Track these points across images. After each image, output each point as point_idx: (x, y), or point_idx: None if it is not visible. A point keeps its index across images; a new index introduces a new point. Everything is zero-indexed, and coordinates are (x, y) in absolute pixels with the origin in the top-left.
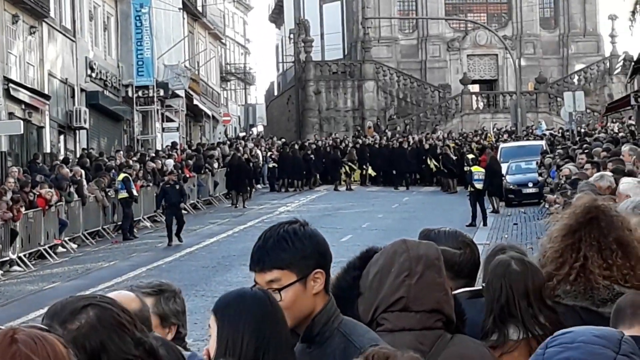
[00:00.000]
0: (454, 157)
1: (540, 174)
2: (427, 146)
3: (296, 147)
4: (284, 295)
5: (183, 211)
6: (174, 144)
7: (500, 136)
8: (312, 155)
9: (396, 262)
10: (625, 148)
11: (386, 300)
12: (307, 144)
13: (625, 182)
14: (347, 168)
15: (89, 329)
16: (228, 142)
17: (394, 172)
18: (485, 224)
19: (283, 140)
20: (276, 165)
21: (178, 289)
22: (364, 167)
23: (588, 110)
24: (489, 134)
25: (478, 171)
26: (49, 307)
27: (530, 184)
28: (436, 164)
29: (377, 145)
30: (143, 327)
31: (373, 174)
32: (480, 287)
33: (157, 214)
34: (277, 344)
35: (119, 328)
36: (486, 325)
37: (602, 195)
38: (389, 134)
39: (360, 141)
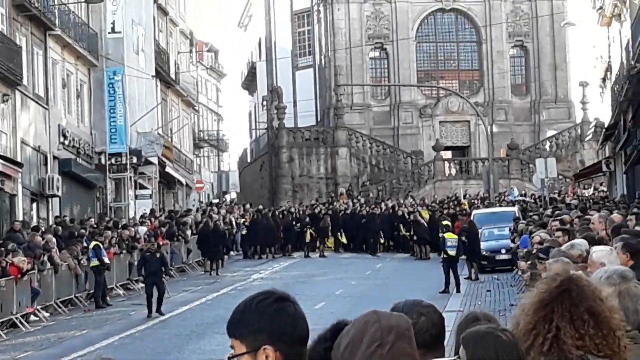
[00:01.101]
0: (425, 224)
1: (513, 240)
2: (399, 213)
3: (269, 213)
4: None
5: (164, 278)
6: (152, 211)
7: (474, 202)
8: (293, 221)
9: (368, 332)
10: (595, 216)
11: None
12: (278, 211)
13: (598, 250)
14: (309, 235)
15: None
16: (201, 210)
17: (368, 238)
18: (458, 291)
19: (255, 207)
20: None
21: None
22: (338, 234)
23: (560, 177)
24: (462, 201)
25: (451, 238)
26: None
27: (503, 250)
28: (406, 231)
29: (349, 212)
30: None
31: (344, 241)
32: (454, 358)
33: (131, 281)
34: None
35: None
36: None
37: (574, 262)
38: (362, 200)
39: (332, 208)
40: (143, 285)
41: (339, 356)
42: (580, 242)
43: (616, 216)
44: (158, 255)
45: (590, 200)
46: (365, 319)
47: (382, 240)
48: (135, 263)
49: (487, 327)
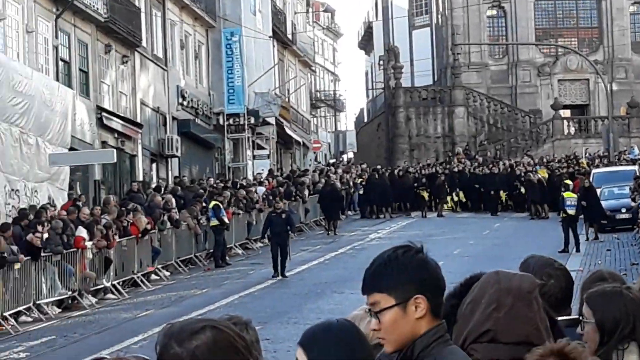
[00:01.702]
0: (544, 183)
1: (633, 199)
2: (517, 172)
3: (386, 173)
4: (381, 319)
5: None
6: (270, 171)
7: (593, 161)
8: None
9: (487, 293)
10: None
11: (475, 331)
12: (395, 171)
13: None
14: (425, 195)
15: (205, 349)
16: (319, 170)
17: (486, 197)
18: (578, 250)
19: (372, 167)
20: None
21: (249, 319)
22: (455, 193)
23: None
24: (581, 160)
25: (570, 197)
26: (166, 326)
27: (624, 210)
28: (525, 190)
29: (467, 171)
30: (257, 356)
31: (463, 199)
32: (576, 317)
33: (249, 241)
34: None
35: (234, 352)
36: (598, 350)
37: None
38: (480, 159)
39: (449, 167)
40: (268, 244)
41: (461, 314)
42: None
43: None
44: (284, 216)
45: None
46: (487, 279)
47: (502, 199)
48: (254, 222)
49: (613, 286)
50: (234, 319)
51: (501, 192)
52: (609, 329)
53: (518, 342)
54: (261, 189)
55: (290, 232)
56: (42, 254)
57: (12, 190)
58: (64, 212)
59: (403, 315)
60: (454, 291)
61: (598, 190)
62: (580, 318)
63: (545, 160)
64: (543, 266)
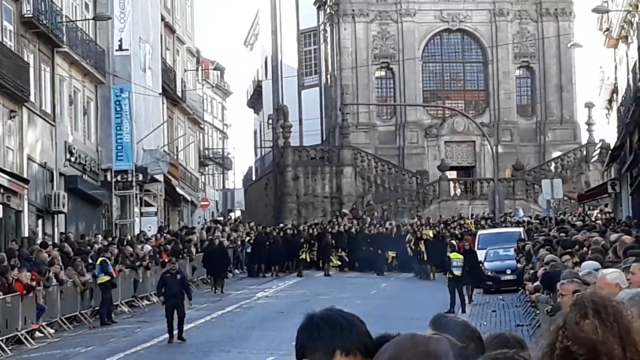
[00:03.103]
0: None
1: (518, 261)
2: (403, 232)
3: (274, 231)
4: None
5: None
6: (161, 228)
7: (479, 223)
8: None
9: (403, 357)
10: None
11: None
12: (286, 229)
13: (612, 272)
14: (305, 255)
15: None
16: (206, 228)
17: (374, 257)
18: (464, 311)
19: (259, 225)
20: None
21: None
22: (342, 252)
23: (565, 198)
24: (467, 221)
25: (457, 257)
26: None
27: (509, 271)
28: (412, 251)
29: (354, 231)
30: None
31: (346, 259)
32: None
33: (136, 299)
34: None
35: None
36: None
37: (586, 284)
38: (368, 219)
39: (337, 227)
40: (155, 302)
41: None
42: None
43: (627, 238)
44: (179, 276)
45: (599, 222)
46: (402, 343)
47: (389, 260)
48: (140, 280)
49: (503, 352)
50: None
51: (388, 252)
52: None
53: None
54: (147, 247)
55: (187, 296)
56: None
57: None
58: None
59: None
60: None
61: (483, 252)
62: None
63: (431, 221)
64: (462, 329)
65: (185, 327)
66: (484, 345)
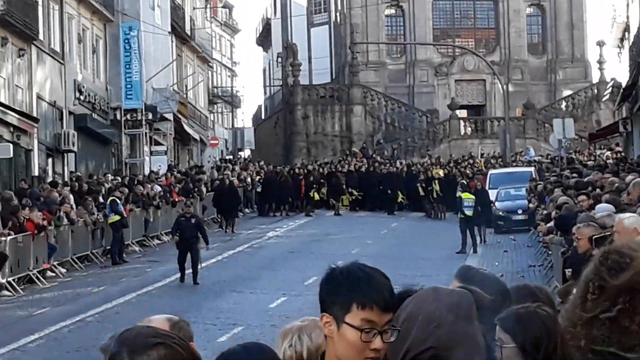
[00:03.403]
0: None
1: (529, 201)
2: (414, 171)
3: (284, 171)
4: (389, 338)
5: (200, 246)
6: (170, 167)
7: (489, 162)
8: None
9: (425, 311)
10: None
11: (415, 348)
12: (296, 168)
13: (630, 217)
14: (315, 194)
15: None
16: (216, 167)
17: (384, 197)
18: (475, 251)
19: (269, 164)
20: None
21: (182, 318)
22: (353, 191)
23: (576, 137)
24: (478, 160)
25: (468, 198)
26: (122, 331)
27: (520, 211)
28: (422, 190)
29: (364, 170)
30: None
31: (359, 197)
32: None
33: (147, 238)
34: None
35: None
36: None
37: (603, 228)
38: (378, 158)
39: (346, 166)
40: (165, 242)
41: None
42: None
43: None
44: (194, 220)
45: (609, 161)
46: (424, 295)
47: (399, 199)
48: (151, 220)
49: (525, 306)
50: (171, 320)
51: (398, 191)
52: (531, 350)
53: None
54: (157, 187)
55: (200, 238)
56: None
57: None
58: None
59: None
60: None
61: (494, 192)
62: (497, 344)
63: (441, 160)
64: (490, 282)
65: (198, 269)
66: (511, 299)
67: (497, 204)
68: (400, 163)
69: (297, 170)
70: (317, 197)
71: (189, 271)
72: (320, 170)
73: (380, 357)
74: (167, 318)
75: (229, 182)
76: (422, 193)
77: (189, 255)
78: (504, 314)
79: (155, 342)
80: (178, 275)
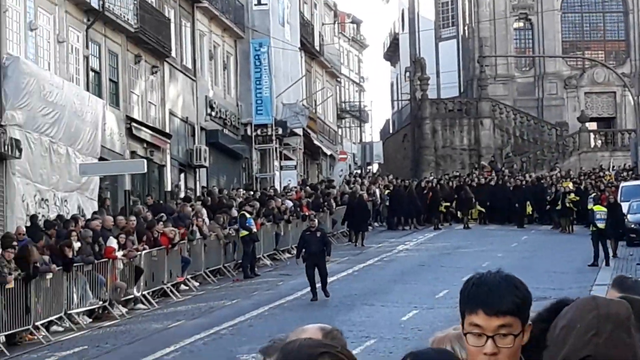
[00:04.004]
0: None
1: None
2: (545, 184)
3: (412, 184)
4: (505, 343)
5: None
6: (304, 181)
7: (620, 175)
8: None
9: (585, 319)
10: None
11: (572, 356)
12: (424, 182)
13: None
14: (442, 207)
15: None
16: (346, 181)
17: (514, 210)
18: (607, 264)
19: (397, 178)
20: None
21: (336, 328)
22: (481, 205)
23: None
24: (608, 172)
25: (600, 210)
26: (282, 344)
27: None
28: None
29: (493, 184)
30: None
31: (483, 210)
32: None
33: (277, 252)
34: None
35: None
36: None
37: None
38: (506, 171)
39: (477, 179)
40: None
41: (553, 339)
42: None
43: None
44: (319, 234)
45: None
46: (582, 304)
47: (529, 211)
48: (282, 233)
49: None
50: (324, 329)
51: (527, 204)
52: None
53: None
54: (289, 203)
55: (326, 253)
56: (74, 264)
57: (42, 199)
58: (95, 223)
59: (520, 341)
60: (541, 316)
61: (626, 204)
62: None
63: (571, 173)
64: None
65: (328, 280)
66: None
67: (629, 216)
68: (530, 176)
69: (423, 184)
70: (442, 209)
71: (318, 285)
72: (450, 183)
73: None
74: (320, 327)
75: (359, 196)
76: (551, 206)
77: (317, 270)
78: None
79: (320, 352)
80: (309, 288)
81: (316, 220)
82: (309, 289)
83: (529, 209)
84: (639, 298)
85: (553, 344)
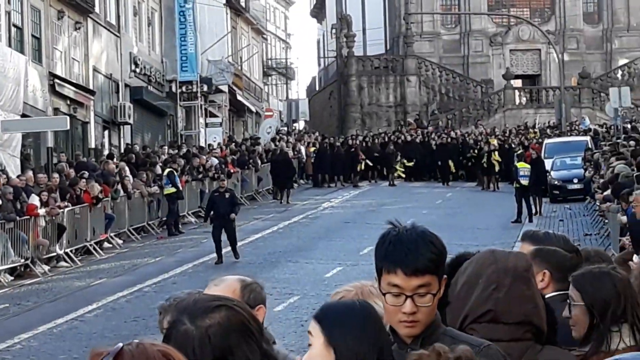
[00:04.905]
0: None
1: (585, 170)
2: (469, 141)
3: (337, 142)
4: (423, 302)
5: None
6: (231, 138)
7: (545, 132)
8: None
9: (484, 274)
10: None
11: (474, 311)
12: (350, 139)
13: None
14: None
15: (219, 330)
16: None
17: (439, 166)
18: (530, 221)
19: (323, 135)
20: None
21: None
22: (405, 161)
23: (632, 106)
24: (533, 130)
25: (524, 167)
26: (178, 299)
27: (575, 180)
28: (475, 161)
29: (418, 141)
30: (268, 339)
31: (410, 165)
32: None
33: (202, 209)
34: (388, 354)
35: (248, 335)
36: (588, 333)
37: None
38: (431, 129)
39: (401, 137)
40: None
41: (455, 295)
42: None
43: None
44: (228, 195)
45: None
46: (482, 259)
47: (452, 169)
48: (207, 191)
49: (600, 266)
50: (244, 281)
51: (450, 162)
52: (599, 311)
53: (518, 322)
54: (214, 160)
55: (234, 214)
56: None
57: None
58: (17, 179)
59: (438, 298)
60: None
61: (550, 161)
62: (568, 300)
63: (496, 130)
64: (564, 241)
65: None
66: (582, 258)
67: (552, 173)
68: (455, 133)
69: (350, 142)
70: (361, 168)
71: (228, 249)
72: (375, 140)
73: (419, 320)
74: (240, 279)
75: (283, 153)
76: (475, 163)
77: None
78: (577, 272)
79: (215, 305)
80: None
81: (226, 181)
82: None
83: (453, 167)
84: (554, 249)
85: (456, 300)
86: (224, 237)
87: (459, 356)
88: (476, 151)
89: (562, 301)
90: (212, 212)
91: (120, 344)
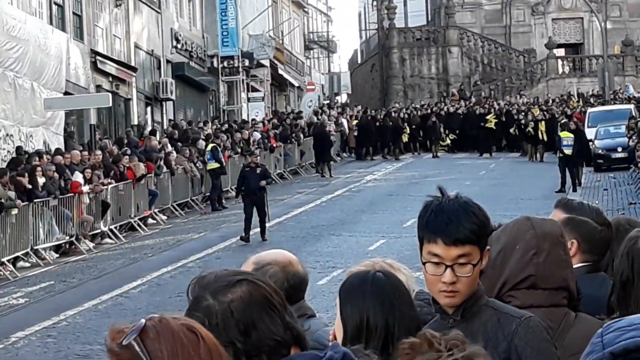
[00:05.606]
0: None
1: (629, 138)
2: (513, 112)
3: (380, 114)
4: (464, 272)
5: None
6: (275, 112)
7: (588, 100)
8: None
9: (522, 240)
10: None
11: (513, 277)
12: (392, 112)
13: None
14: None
15: (241, 304)
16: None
17: (480, 138)
18: (574, 190)
19: (365, 108)
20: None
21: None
22: (449, 133)
23: None
24: (573, 99)
25: (567, 136)
26: (200, 276)
27: (619, 149)
28: (519, 131)
29: (461, 112)
30: (292, 312)
31: (452, 139)
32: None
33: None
34: (405, 327)
35: (270, 308)
36: (610, 303)
37: None
38: (474, 100)
39: (445, 108)
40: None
41: (490, 263)
42: None
43: None
44: (259, 170)
45: None
46: (517, 225)
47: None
48: None
49: (634, 232)
50: (258, 264)
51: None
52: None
53: (557, 288)
54: (257, 134)
55: (266, 189)
56: (39, 199)
57: (7, 135)
58: (60, 157)
59: (479, 268)
60: None
61: (593, 130)
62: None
63: (539, 99)
64: (599, 212)
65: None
66: (612, 232)
67: (596, 142)
68: (498, 104)
69: (393, 114)
70: (405, 139)
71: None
72: (417, 112)
73: (459, 290)
74: (254, 261)
75: (321, 126)
76: (522, 134)
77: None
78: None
79: (237, 280)
80: (277, 220)
81: (258, 156)
82: (276, 220)
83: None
84: (586, 220)
85: (490, 268)
86: (255, 219)
87: (449, 341)
88: (521, 121)
89: (587, 272)
90: (243, 188)
91: (143, 320)
